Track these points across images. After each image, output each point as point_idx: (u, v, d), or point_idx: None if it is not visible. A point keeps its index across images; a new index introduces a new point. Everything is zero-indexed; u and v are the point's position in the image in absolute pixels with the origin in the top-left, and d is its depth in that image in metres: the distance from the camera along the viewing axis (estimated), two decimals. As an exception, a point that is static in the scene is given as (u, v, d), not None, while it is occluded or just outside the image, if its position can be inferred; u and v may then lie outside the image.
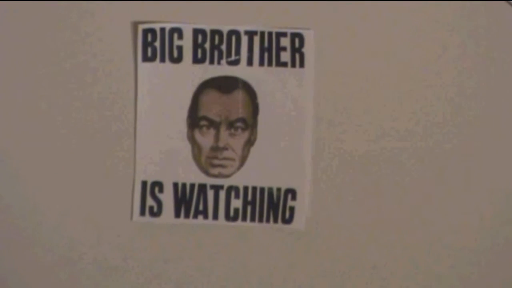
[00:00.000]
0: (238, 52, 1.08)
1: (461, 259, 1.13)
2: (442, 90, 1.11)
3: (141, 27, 1.07)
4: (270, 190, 1.09)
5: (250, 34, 1.08)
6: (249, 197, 1.09)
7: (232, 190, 1.09)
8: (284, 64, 1.08)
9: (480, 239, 1.13)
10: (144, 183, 1.09)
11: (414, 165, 1.12)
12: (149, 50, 1.08)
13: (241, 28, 1.07)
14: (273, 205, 1.09)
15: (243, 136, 1.08)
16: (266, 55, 1.08)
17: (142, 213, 1.09)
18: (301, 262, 1.11)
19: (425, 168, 1.12)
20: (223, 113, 1.08)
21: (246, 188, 1.09)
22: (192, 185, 1.09)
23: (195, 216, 1.09)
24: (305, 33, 1.07)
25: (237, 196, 1.09)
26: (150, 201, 1.09)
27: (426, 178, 1.12)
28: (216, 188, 1.09)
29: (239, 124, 1.08)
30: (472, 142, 1.13)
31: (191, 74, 1.08)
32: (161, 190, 1.09)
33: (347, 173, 1.10)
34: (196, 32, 1.07)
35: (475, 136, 1.13)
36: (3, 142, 1.10)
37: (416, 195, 1.12)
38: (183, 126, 1.08)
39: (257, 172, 1.09)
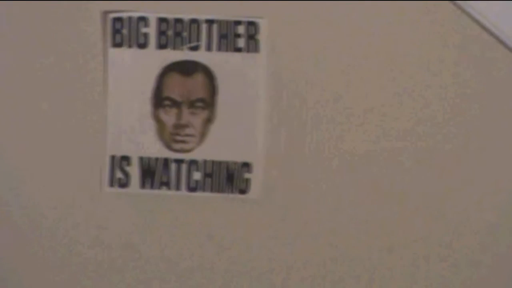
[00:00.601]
0: (198, 38, 1.18)
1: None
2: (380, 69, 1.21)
3: (110, 16, 1.17)
4: (228, 163, 1.19)
5: (209, 22, 1.18)
6: (208, 170, 1.19)
7: (193, 163, 1.19)
8: (240, 50, 1.18)
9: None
10: (112, 157, 1.19)
11: (358, 129, 1.21)
12: (118, 36, 1.18)
13: (201, 17, 1.18)
14: (229, 180, 1.19)
15: (203, 115, 1.18)
16: (223, 41, 1.18)
17: (111, 184, 1.20)
18: (253, 226, 1.21)
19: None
20: (184, 94, 1.18)
21: (205, 162, 1.19)
22: (157, 159, 1.19)
23: (160, 187, 1.20)
24: (259, 21, 1.18)
25: (197, 169, 1.19)
26: (118, 174, 1.19)
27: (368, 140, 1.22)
28: (178, 162, 1.19)
29: (199, 103, 1.18)
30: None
31: (155, 59, 1.18)
32: (128, 164, 1.19)
33: (297, 148, 1.20)
34: (160, 20, 1.18)
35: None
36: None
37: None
38: (148, 106, 1.18)
39: (216, 147, 1.19)
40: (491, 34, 1.18)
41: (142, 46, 1.18)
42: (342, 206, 1.21)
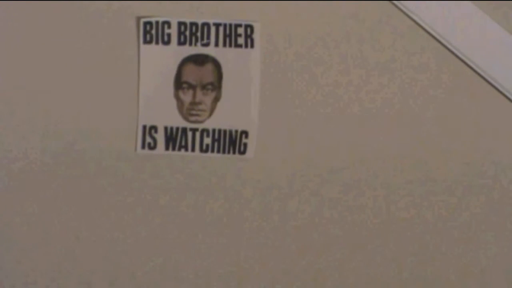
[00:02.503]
0: (208, 37, 1.49)
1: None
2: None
3: (142, 20, 1.49)
4: (230, 131, 1.52)
5: (217, 25, 1.48)
6: (216, 136, 1.51)
7: (204, 131, 1.51)
8: (240, 46, 1.49)
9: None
10: (144, 127, 1.51)
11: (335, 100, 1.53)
12: (148, 36, 1.49)
13: (211, 21, 1.49)
14: (232, 143, 1.52)
15: (212, 95, 1.50)
16: (228, 39, 1.48)
17: (143, 147, 1.52)
18: (250, 179, 1.54)
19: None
20: (198, 79, 1.49)
21: (214, 130, 1.51)
22: (177, 128, 1.51)
23: (179, 149, 1.52)
24: (255, 24, 1.49)
25: (207, 136, 1.51)
26: (148, 139, 1.52)
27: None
28: (193, 130, 1.51)
29: (209, 86, 1.50)
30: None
31: (176, 53, 1.49)
32: (155, 131, 1.51)
33: (283, 119, 1.50)
34: (179, 24, 1.48)
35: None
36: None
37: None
38: (171, 88, 1.50)
39: (221, 119, 1.50)
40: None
41: (166, 43, 1.49)
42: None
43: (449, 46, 1.48)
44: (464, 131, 1.51)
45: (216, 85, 1.49)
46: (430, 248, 1.56)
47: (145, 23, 1.49)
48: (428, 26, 1.47)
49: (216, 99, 1.50)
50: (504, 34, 1.47)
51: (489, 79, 1.49)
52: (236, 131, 1.51)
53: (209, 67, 1.49)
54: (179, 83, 1.50)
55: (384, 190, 1.54)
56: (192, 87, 1.49)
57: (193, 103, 1.50)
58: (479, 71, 1.49)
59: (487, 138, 1.51)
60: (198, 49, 1.49)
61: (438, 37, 1.48)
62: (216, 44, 1.49)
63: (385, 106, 1.51)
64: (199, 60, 1.49)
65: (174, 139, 1.51)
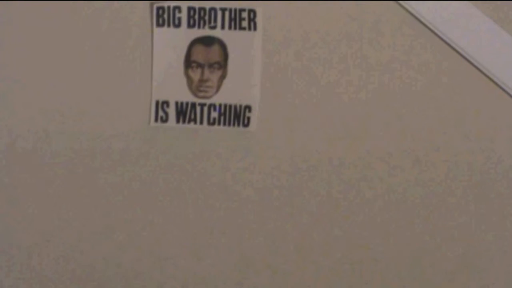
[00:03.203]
0: (215, 21, 1.63)
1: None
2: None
3: (155, 5, 1.63)
4: (235, 106, 1.67)
5: (223, 10, 1.62)
6: (222, 111, 1.67)
7: (211, 106, 1.66)
8: (244, 28, 1.63)
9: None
10: (157, 102, 1.66)
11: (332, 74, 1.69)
12: (160, 19, 1.62)
13: (217, 6, 1.62)
14: (237, 117, 1.67)
15: (218, 73, 1.64)
16: (232, 22, 1.62)
17: (156, 120, 1.67)
18: (252, 149, 1.68)
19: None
20: (206, 58, 1.64)
21: (220, 105, 1.66)
22: (187, 103, 1.66)
23: (189, 122, 1.67)
24: (257, 9, 1.63)
25: (214, 110, 1.66)
26: (161, 113, 1.67)
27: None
28: (202, 105, 1.66)
29: (215, 65, 1.64)
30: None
31: (186, 35, 1.62)
32: (167, 106, 1.66)
33: (283, 95, 1.65)
34: (189, 8, 1.62)
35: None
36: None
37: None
38: (181, 66, 1.64)
39: (227, 95, 1.65)
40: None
41: (177, 26, 1.62)
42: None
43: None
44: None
45: (222, 64, 1.64)
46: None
47: (158, 8, 1.62)
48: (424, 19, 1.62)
49: (222, 76, 1.64)
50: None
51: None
52: (240, 106, 1.65)
53: (216, 47, 1.63)
54: (188, 62, 1.64)
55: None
56: (200, 66, 1.64)
57: (201, 81, 1.64)
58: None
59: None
60: (206, 32, 1.63)
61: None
62: (222, 27, 1.63)
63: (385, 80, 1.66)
64: (207, 41, 1.63)
65: (184, 113, 1.66)
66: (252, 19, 1.63)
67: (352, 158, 1.68)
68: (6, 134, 1.69)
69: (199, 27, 1.63)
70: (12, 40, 1.66)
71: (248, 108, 1.66)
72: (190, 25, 1.63)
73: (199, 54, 1.64)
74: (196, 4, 1.63)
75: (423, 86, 1.65)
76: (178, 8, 1.63)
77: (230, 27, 1.63)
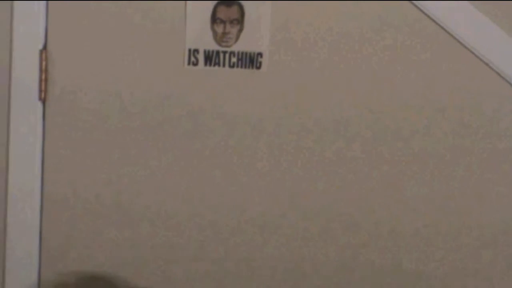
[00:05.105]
0: None
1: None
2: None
3: None
4: (250, 53, 2.16)
5: None
6: (239, 57, 2.14)
7: (232, 53, 2.13)
8: None
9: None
10: (189, 50, 2.14)
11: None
12: None
13: None
14: (251, 61, 2.16)
15: (237, 27, 2.11)
16: None
17: (189, 64, 2.16)
18: (263, 88, 2.14)
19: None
20: (227, 16, 2.10)
21: (238, 52, 2.13)
22: (213, 51, 2.13)
23: (214, 65, 2.15)
24: None
25: (234, 56, 2.14)
26: (192, 58, 2.15)
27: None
28: (224, 52, 2.13)
29: (235, 21, 2.11)
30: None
31: None
32: (198, 53, 2.14)
33: (290, 42, 2.13)
34: None
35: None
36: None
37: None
38: (208, 22, 2.12)
39: (244, 44, 2.12)
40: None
41: None
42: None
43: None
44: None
45: (240, 20, 2.11)
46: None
47: (190, -23, 2.12)
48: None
49: (240, 30, 2.11)
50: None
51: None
52: (254, 53, 2.13)
53: (235, 7, 2.10)
54: (214, 19, 2.11)
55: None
56: (223, 22, 2.11)
57: (224, 33, 2.11)
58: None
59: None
60: (227, -4, 2.11)
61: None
62: (240, -8, 2.11)
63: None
64: (228, 3, 2.11)
65: (211, 58, 2.14)
66: (263, -14, 2.11)
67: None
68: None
69: (222, -8, 2.11)
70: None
71: (260, 54, 2.13)
72: (215, -9, 2.11)
73: (222, 13, 2.11)
74: (220, -26, 2.11)
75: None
76: (206, -23, 2.12)
77: (245, -8, 2.11)
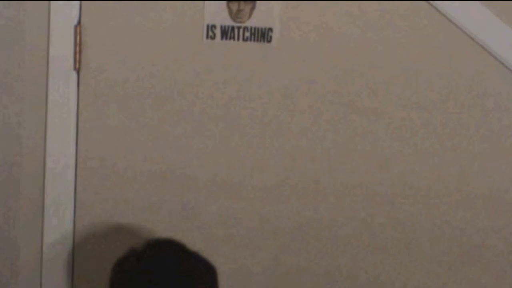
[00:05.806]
0: None
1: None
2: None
3: None
4: (261, 28, 2.41)
5: None
6: (252, 32, 2.39)
7: (246, 28, 2.38)
8: None
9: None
10: (207, 25, 2.39)
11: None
12: None
13: None
14: (263, 36, 2.40)
15: (250, 5, 2.35)
16: None
17: (207, 37, 2.41)
18: (274, 60, 2.38)
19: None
20: None
21: (251, 27, 2.38)
22: (228, 26, 2.38)
23: (230, 39, 2.39)
24: None
25: (247, 31, 2.38)
26: (210, 32, 2.39)
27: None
28: (238, 28, 2.38)
29: (248, 0, 2.41)
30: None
31: None
32: (215, 28, 2.39)
33: (298, 20, 2.37)
34: None
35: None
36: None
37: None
38: (224, 2, 2.36)
39: (256, 20, 2.36)
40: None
41: None
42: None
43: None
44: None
45: (252, -1, 2.39)
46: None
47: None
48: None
49: (252, 8, 2.37)
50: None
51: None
52: (265, 28, 2.38)
53: (248, -11, 2.38)
54: (230, -1, 2.39)
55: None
56: (237, 0, 2.39)
57: (238, 11, 2.37)
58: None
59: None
60: (241, -22, 2.37)
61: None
62: (253, -24, 2.37)
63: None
64: (242, -15, 2.38)
65: (227, 33, 2.39)
66: (274, -32, 2.36)
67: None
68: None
69: (237, -23, 2.36)
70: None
71: (271, 29, 2.38)
72: (231, -25, 2.36)
73: (237, -7, 2.38)
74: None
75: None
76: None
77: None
